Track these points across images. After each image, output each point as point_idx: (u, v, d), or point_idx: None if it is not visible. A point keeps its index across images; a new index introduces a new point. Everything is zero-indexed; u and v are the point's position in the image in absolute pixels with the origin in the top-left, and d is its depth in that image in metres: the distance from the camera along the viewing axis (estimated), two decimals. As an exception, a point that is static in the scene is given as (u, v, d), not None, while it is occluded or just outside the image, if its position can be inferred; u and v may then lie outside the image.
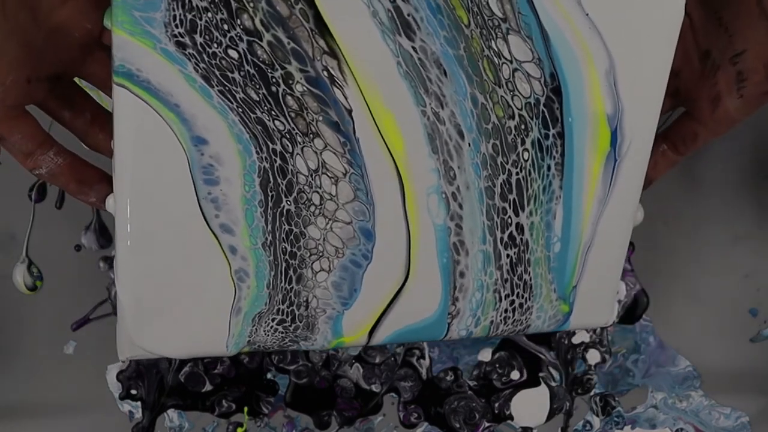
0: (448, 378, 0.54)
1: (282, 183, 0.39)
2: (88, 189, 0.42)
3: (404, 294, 0.41)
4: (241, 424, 0.55)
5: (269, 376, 0.54)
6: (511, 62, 0.38)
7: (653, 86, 0.40)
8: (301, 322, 0.42)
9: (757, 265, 0.52)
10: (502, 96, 0.39)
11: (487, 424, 0.54)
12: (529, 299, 0.43)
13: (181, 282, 0.40)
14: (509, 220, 0.41)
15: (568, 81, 0.39)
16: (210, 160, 0.39)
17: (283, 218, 0.40)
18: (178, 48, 0.37)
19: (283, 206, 0.39)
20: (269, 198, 0.39)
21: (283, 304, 0.41)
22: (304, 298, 0.41)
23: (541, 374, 0.55)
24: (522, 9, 0.37)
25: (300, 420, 0.55)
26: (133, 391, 0.55)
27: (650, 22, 0.39)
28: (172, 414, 0.55)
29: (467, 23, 0.37)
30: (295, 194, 0.39)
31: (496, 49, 0.38)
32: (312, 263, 0.41)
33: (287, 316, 0.42)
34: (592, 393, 0.55)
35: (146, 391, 0.54)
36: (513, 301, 0.43)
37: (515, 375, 0.55)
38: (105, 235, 0.53)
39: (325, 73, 0.37)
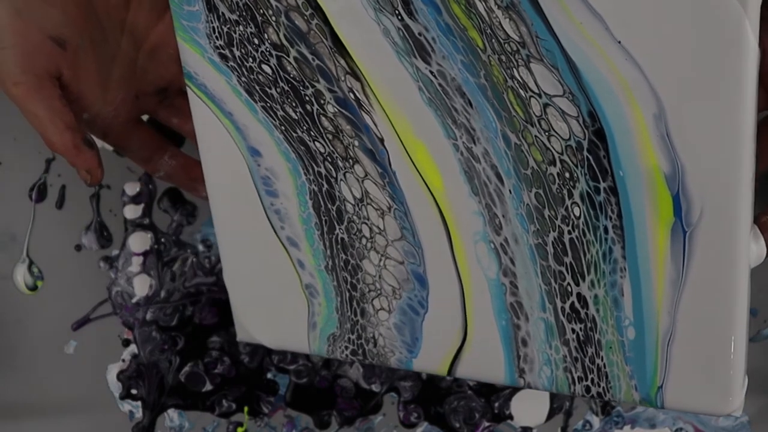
0: (447, 378, 0.54)
1: (332, 209, 0.39)
2: (200, 185, 0.46)
3: (465, 354, 0.40)
4: (241, 424, 0.55)
5: (269, 375, 0.54)
6: (540, 96, 0.33)
7: (729, 140, 0.31)
8: (374, 360, 0.42)
9: (757, 264, 0.51)
10: (536, 136, 0.34)
11: (486, 424, 0.54)
12: (608, 391, 0.37)
13: (265, 284, 0.42)
14: (569, 288, 0.36)
15: (611, 123, 0.32)
16: (266, 172, 0.39)
17: (339, 246, 0.40)
18: (222, 60, 0.38)
19: (337, 234, 0.40)
20: (324, 222, 0.40)
21: (352, 334, 0.42)
22: (371, 334, 0.41)
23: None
24: (539, 32, 0.32)
25: (300, 420, 0.55)
26: (134, 391, 0.55)
27: (708, 59, 0.30)
28: (172, 414, 0.55)
29: (482, 47, 0.33)
30: (346, 223, 0.39)
31: (519, 79, 0.33)
32: (372, 299, 0.40)
33: (358, 349, 0.42)
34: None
35: (146, 390, 0.54)
36: (588, 388, 0.38)
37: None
38: (105, 235, 0.53)
39: (352, 95, 0.36)
